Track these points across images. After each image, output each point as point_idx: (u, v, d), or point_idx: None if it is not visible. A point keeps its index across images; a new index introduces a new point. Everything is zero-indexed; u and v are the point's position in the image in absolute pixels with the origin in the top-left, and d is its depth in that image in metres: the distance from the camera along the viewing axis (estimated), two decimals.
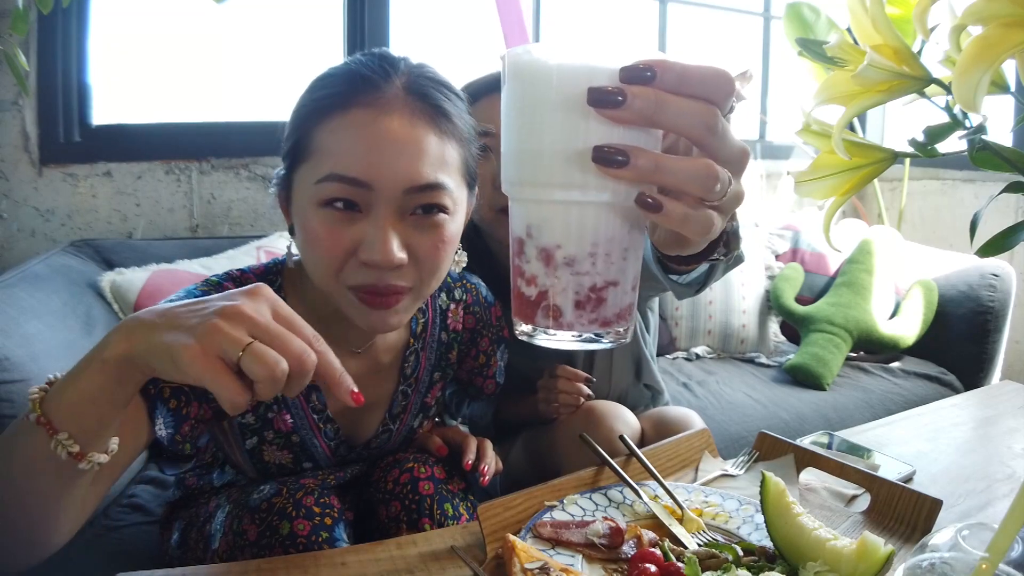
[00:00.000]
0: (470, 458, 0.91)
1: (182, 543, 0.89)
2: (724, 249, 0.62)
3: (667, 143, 0.44)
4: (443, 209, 0.75)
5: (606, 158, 0.38)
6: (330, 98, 0.73)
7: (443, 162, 0.74)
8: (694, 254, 0.54)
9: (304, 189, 0.74)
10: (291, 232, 0.82)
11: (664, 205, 0.39)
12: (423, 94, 0.74)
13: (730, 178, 0.41)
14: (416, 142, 0.72)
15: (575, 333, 0.42)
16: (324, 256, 0.73)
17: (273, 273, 0.86)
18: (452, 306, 0.99)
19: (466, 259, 0.87)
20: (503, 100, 0.42)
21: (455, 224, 0.78)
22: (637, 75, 0.37)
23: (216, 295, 0.57)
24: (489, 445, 0.96)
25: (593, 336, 0.42)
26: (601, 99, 0.37)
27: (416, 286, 0.76)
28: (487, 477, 0.91)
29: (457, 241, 0.80)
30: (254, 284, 0.58)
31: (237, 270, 0.84)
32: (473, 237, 1.16)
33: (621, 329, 0.43)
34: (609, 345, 0.43)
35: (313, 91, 0.77)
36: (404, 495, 0.86)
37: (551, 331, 0.42)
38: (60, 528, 0.61)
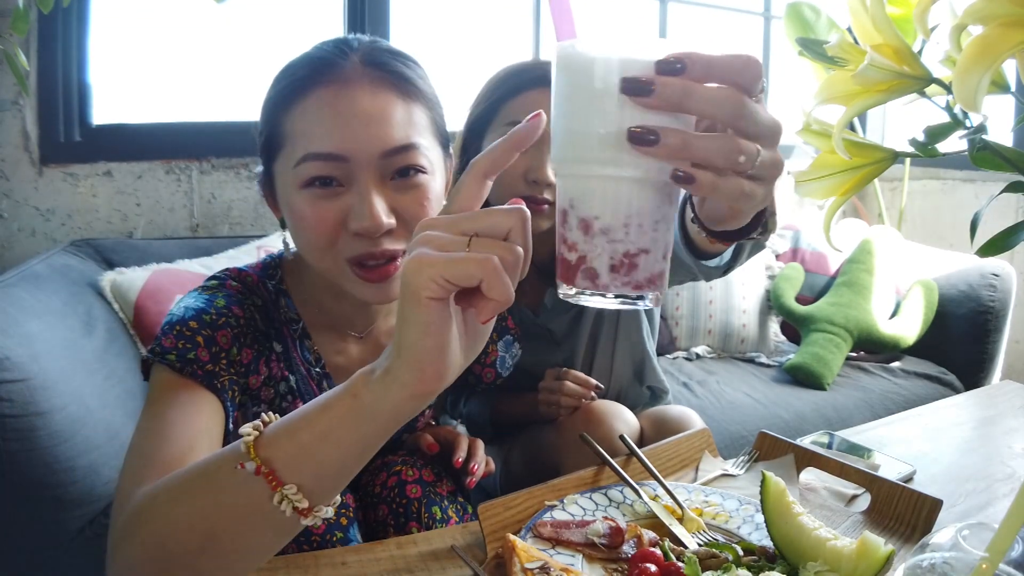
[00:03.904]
0: (461, 455, 0.91)
1: None
2: (762, 228, 0.63)
3: (705, 124, 0.47)
4: (420, 169, 0.76)
5: (639, 138, 0.42)
6: (292, 84, 0.76)
7: (411, 123, 0.76)
8: (737, 231, 0.57)
9: (284, 176, 0.76)
10: (283, 225, 0.83)
11: (696, 177, 0.43)
12: (380, 63, 0.76)
13: (758, 149, 0.44)
14: (382, 108, 0.74)
15: (611, 293, 0.46)
16: (314, 234, 0.75)
17: (272, 268, 0.87)
18: None
19: None
20: (553, 87, 0.46)
21: (436, 183, 0.79)
22: (668, 67, 0.42)
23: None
24: (480, 445, 0.95)
25: (628, 296, 0.46)
26: (632, 88, 0.42)
27: None
28: (475, 477, 0.90)
29: (442, 201, 0.81)
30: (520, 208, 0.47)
31: (235, 269, 0.85)
32: None
33: (653, 293, 0.47)
34: (645, 306, 0.47)
35: (276, 83, 0.79)
36: (392, 499, 0.85)
37: (589, 291, 0.46)
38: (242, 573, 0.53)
